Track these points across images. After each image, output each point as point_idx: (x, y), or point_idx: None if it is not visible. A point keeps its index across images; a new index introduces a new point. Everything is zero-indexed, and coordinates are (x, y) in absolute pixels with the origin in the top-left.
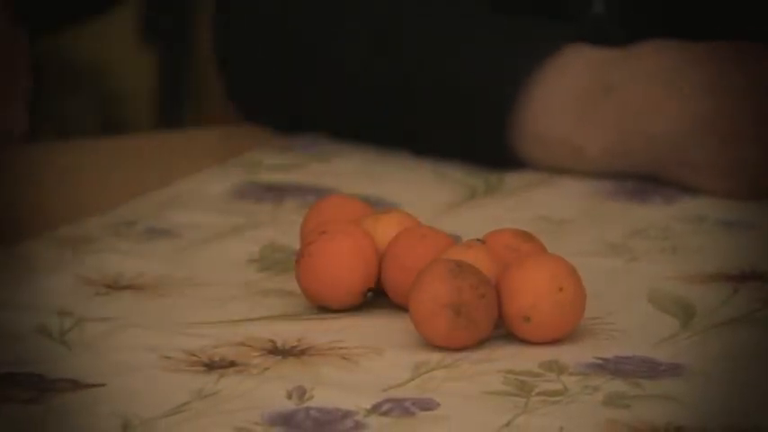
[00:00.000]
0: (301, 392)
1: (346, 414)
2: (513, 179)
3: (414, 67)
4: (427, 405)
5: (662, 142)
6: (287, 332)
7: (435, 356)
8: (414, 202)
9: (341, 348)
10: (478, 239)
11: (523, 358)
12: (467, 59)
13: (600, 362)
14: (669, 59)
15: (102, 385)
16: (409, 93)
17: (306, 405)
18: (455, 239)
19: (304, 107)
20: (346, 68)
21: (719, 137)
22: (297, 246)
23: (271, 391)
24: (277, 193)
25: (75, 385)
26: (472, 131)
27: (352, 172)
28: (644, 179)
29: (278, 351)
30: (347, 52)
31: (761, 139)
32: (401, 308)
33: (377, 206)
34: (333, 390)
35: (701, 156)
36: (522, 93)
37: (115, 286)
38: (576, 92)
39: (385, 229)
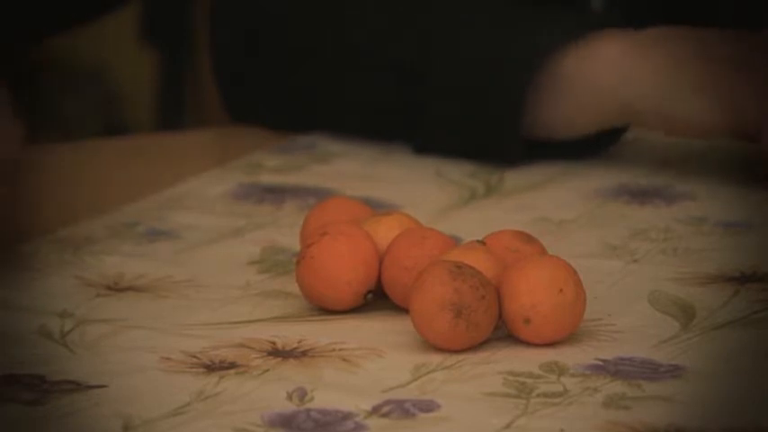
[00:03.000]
0: (302, 394)
1: (347, 415)
2: (513, 180)
3: (423, 49)
4: (428, 407)
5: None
6: (287, 334)
7: (436, 358)
8: (414, 203)
9: (341, 350)
10: (479, 241)
11: (524, 360)
12: (480, 41)
13: (600, 363)
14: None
15: (104, 386)
16: (419, 76)
17: (306, 406)
18: (455, 241)
19: (301, 105)
20: (347, 60)
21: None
22: (297, 247)
23: (271, 392)
24: (277, 194)
25: (77, 386)
26: (485, 110)
27: (352, 173)
28: (644, 180)
29: (278, 352)
30: (347, 44)
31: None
32: (402, 309)
33: (377, 208)
34: (333, 391)
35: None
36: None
37: (116, 288)
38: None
39: (386, 231)
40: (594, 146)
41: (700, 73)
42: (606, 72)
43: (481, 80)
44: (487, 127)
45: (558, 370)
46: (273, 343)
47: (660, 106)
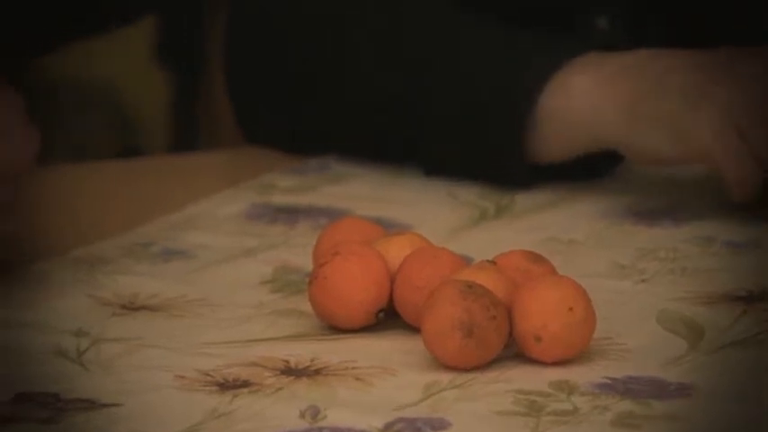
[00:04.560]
0: (314, 412)
1: None
2: (523, 201)
3: (424, 79)
4: (439, 425)
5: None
6: (300, 352)
7: (447, 376)
8: (425, 223)
9: (353, 368)
10: (489, 261)
11: (534, 378)
12: (476, 70)
13: (609, 382)
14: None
15: (119, 405)
16: (419, 105)
17: (319, 425)
18: (466, 261)
19: (315, 129)
20: (353, 85)
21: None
22: (310, 267)
23: (284, 410)
24: (290, 214)
25: (92, 405)
26: (486, 140)
27: (364, 194)
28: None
29: (291, 371)
30: (352, 69)
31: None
32: (413, 328)
33: (389, 228)
34: (345, 409)
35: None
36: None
37: (131, 307)
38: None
39: (397, 251)
40: (598, 168)
41: (658, 107)
42: (578, 105)
43: (481, 111)
44: (492, 155)
45: (568, 388)
46: (286, 361)
47: (624, 137)
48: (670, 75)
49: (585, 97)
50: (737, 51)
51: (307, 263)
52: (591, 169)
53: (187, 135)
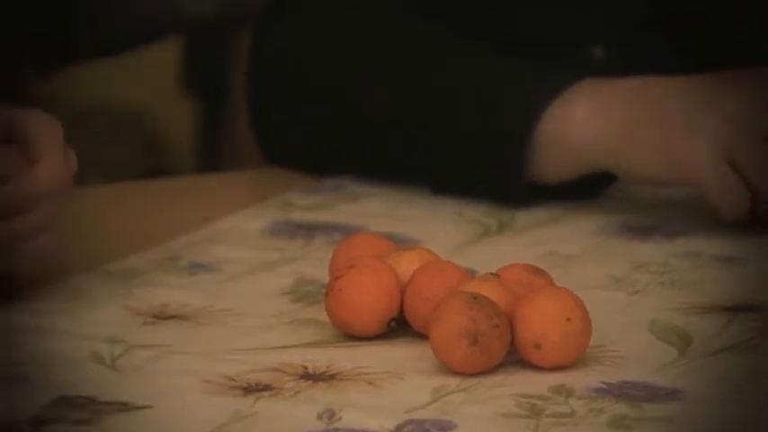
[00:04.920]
0: (330, 414)
1: None
2: (523, 218)
3: (431, 106)
4: (446, 426)
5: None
6: (317, 358)
7: (453, 381)
8: (433, 239)
9: (366, 374)
10: (493, 273)
11: (534, 383)
12: (480, 98)
13: (605, 386)
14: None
15: (150, 407)
16: (427, 130)
17: (335, 426)
18: (471, 273)
19: (330, 151)
20: (366, 112)
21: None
22: (326, 279)
23: (302, 413)
24: (308, 230)
25: (125, 407)
26: (489, 162)
27: (377, 212)
28: (644, 218)
29: (309, 376)
30: (366, 97)
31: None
32: (422, 336)
33: (400, 243)
34: (359, 412)
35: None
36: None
37: (161, 316)
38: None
39: (407, 264)
40: (594, 188)
41: (652, 135)
42: (576, 131)
43: (484, 135)
44: (494, 176)
45: (566, 392)
46: (305, 367)
47: (619, 161)
48: (662, 103)
49: (582, 124)
50: (725, 77)
51: (323, 275)
52: (586, 189)
53: (211, 156)
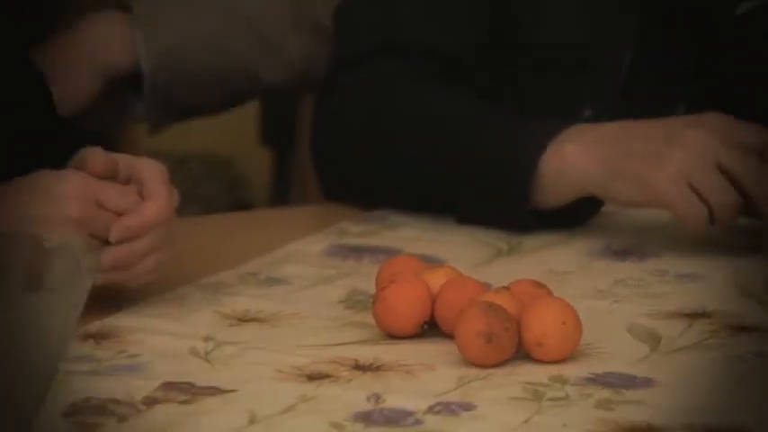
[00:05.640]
0: (376, 397)
1: (409, 413)
2: (528, 242)
3: (455, 154)
4: (468, 407)
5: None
6: (365, 353)
7: (473, 371)
8: (457, 259)
9: (405, 365)
10: (504, 287)
11: (537, 373)
12: (492, 145)
13: (592, 376)
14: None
15: (235, 391)
16: (451, 172)
17: (380, 407)
18: (487, 287)
19: (376, 190)
20: (404, 162)
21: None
22: (373, 291)
23: (354, 396)
24: (358, 252)
25: (216, 391)
26: (501, 196)
27: (412, 237)
28: (623, 242)
29: (359, 367)
30: (403, 151)
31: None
32: (448, 336)
33: (431, 262)
34: (399, 395)
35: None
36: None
37: (243, 319)
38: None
39: (437, 279)
40: (581, 217)
41: (626, 167)
42: (569, 167)
43: (496, 175)
44: (506, 208)
45: (562, 381)
46: (356, 360)
47: (603, 189)
48: (634, 142)
49: (573, 161)
50: (685, 119)
51: (370, 287)
52: (576, 218)
53: (283, 193)
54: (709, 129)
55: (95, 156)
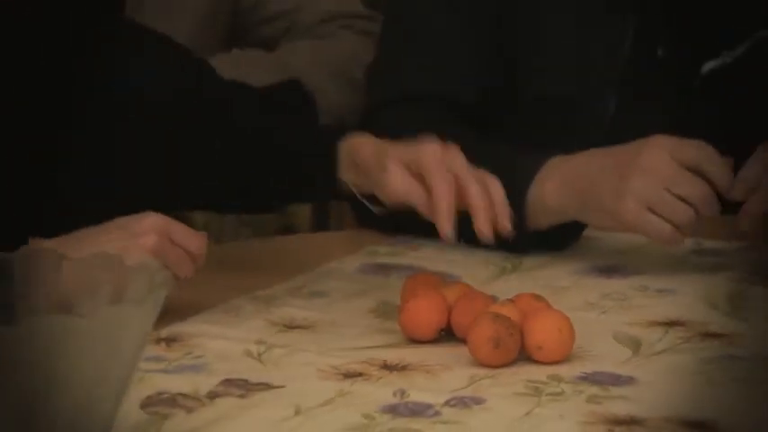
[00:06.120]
0: (402, 392)
1: (429, 406)
2: (528, 261)
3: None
4: (479, 401)
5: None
6: (392, 355)
7: (483, 371)
8: (469, 276)
9: (425, 365)
10: (509, 299)
11: (537, 372)
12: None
13: (584, 375)
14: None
15: (283, 387)
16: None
17: (405, 400)
18: (494, 299)
19: (399, 219)
20: None
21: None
22: (399, 302)
23: (383, 392)
24: (386, 270)
25: (268, 386)
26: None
27: (432, 257)
28: (609, 261)
29: (387, 367)
30: None
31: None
32: (462, 341)
33: (448, 278)
34: (421, 391)
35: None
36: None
37: (290, 326)
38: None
39: (452, 293)
40: (566, 241)
41: (596, 199)
42: (550, 200)
43: None
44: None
45: (558, 379)
46: (384, 360)
47: (579, 217)
48: (599, 174)
49: (553, 194)
50: (639, 144)
51: (397, 299)
52: (561, 242)
53: (323, 220)
54: (659, 151)
55: (429, 147)
